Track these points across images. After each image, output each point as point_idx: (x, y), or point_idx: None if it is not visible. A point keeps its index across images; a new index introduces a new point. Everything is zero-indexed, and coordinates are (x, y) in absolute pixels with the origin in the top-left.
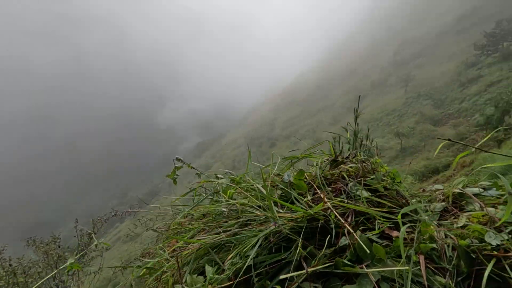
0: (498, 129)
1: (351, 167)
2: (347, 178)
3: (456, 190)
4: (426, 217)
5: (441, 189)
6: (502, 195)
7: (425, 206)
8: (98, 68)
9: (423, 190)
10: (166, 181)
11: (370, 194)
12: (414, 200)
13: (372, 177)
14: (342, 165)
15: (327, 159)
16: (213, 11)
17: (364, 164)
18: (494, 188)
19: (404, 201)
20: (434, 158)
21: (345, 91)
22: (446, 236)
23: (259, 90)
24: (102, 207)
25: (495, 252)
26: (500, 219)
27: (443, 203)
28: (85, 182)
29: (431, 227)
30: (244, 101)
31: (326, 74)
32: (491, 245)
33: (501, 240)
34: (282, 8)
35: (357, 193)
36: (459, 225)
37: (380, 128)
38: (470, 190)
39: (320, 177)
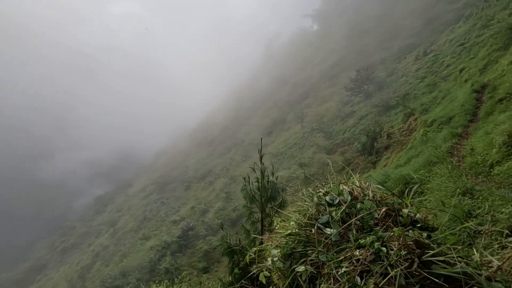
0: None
1: None
2: None
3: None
4: None
5: None
6: None
7: None
8: None
9: None
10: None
11: None
12: None
13: None
14: None
15: None
16: (110, 53)
17: None
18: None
19: None
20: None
21: (251, 129)
22: None
23: (166, 133)
24: None
25: None
26: None
27: None
28: None
29: None
30: (150, 145)
31: (233, 113)
32: None
33: None
34: (186, 52)
35: None
36: None
37: (286, 160)
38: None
39: None
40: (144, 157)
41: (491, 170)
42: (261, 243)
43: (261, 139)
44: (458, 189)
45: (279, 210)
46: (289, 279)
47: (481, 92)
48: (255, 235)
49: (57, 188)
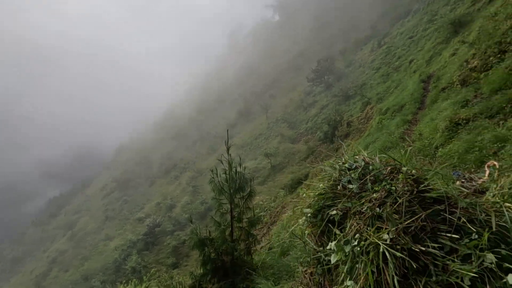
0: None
1: None
2: None
3: None
4: None
5: None
6: None
7: None
8: None
9: None
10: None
11: None
12: None
13: None
14: None
15: None
16: (60, 37)
17: None
18: None
19: None
20: (297, 171)
21: (216, 121)
22: None
23: (127, 125)
24: None
25: None
26: None
27: None
28: None
29: None
30: (111, 139)
31: (198, 105)
32: None
33: None
34: (149, 40)
35: None
36: None
37: (252, 151)
38: None
39: None
40: (103, 154)
41: (436, 152)
42: (232, 233)
43: (227, 130)
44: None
45: (248, 200)
46: (322, 225)
47: (427, 82)
48: (225, 226)
49: (5, 191)
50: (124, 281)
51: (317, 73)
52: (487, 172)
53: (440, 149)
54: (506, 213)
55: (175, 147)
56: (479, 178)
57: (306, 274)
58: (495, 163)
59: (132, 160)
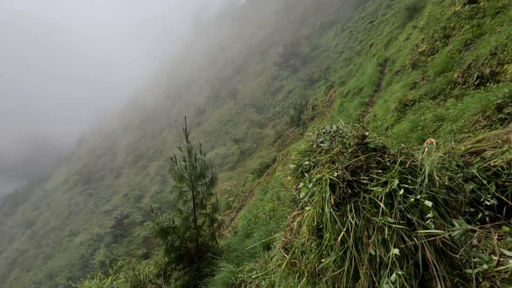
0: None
1: None
2: None
3: None
4: None
5: None
6: None
7: None
8: None
9: None
10: None
11: None
12: None
13: None
14: None
15: None
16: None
17: None
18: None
19: None
20: (265, 156)
21: (184, 108)
22: None
23: (87, 117)
24: None
25: None
26: None
27: None
28: None
29: None
30: (70, 130)
31: (164, 91)
32: None
33: None
34: (111, 25)
35: None
36: None
37: (221, 137)
38: None
39: None
40: (61, 146)
41: (387, 132)
42: (195, 220)
43: (185, 117)
44: None
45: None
46: (299, 175)
47: (384, 65)
48: (187, 214)
49: None
50: (89, 276)
51: (284, 57)
52: (426, 149)
53: (390, 130)
54: (418, 156)
55: (141, 136)
56: (419, 155)
57: (290, 216)
58: (433, 140)
59: (95, 151)
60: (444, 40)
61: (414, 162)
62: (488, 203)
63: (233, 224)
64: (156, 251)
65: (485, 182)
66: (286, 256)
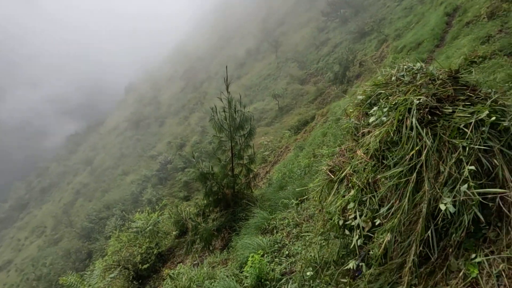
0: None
1: None
2: None
3: None
4: None
5: None
6: None
7: None
8: None
9: None
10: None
11: None
12: None
13: None
14: None
15: None
16: None
17: None
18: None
19: None
20: (304, 113)
21: (224, 60)
22: None
23: (134, 66)
24: None
25: None
26: None
27: None
28: None
29: None
30: (119, 79)
31: (204, 44)
32: None
33: None
34: None
35: None
36: None
37: (260, 92)
38: None
39: None
40: (113, 93)
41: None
42: (232, 169)
43: (226, 67)
44: None
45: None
46: (366, 107)
47: (452, 15)
48: (225, 162)
49: (18, 129)
50: (139, 210)
51: (333, 6)
52: None
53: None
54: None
55: (183, 87)
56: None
57: (342, 149)
58: None
59: (141, 101)
60: None
61: (506, 102)
62: None
63: (268, 177)
64: (196, 195)
65: None
66: (332, 176)
